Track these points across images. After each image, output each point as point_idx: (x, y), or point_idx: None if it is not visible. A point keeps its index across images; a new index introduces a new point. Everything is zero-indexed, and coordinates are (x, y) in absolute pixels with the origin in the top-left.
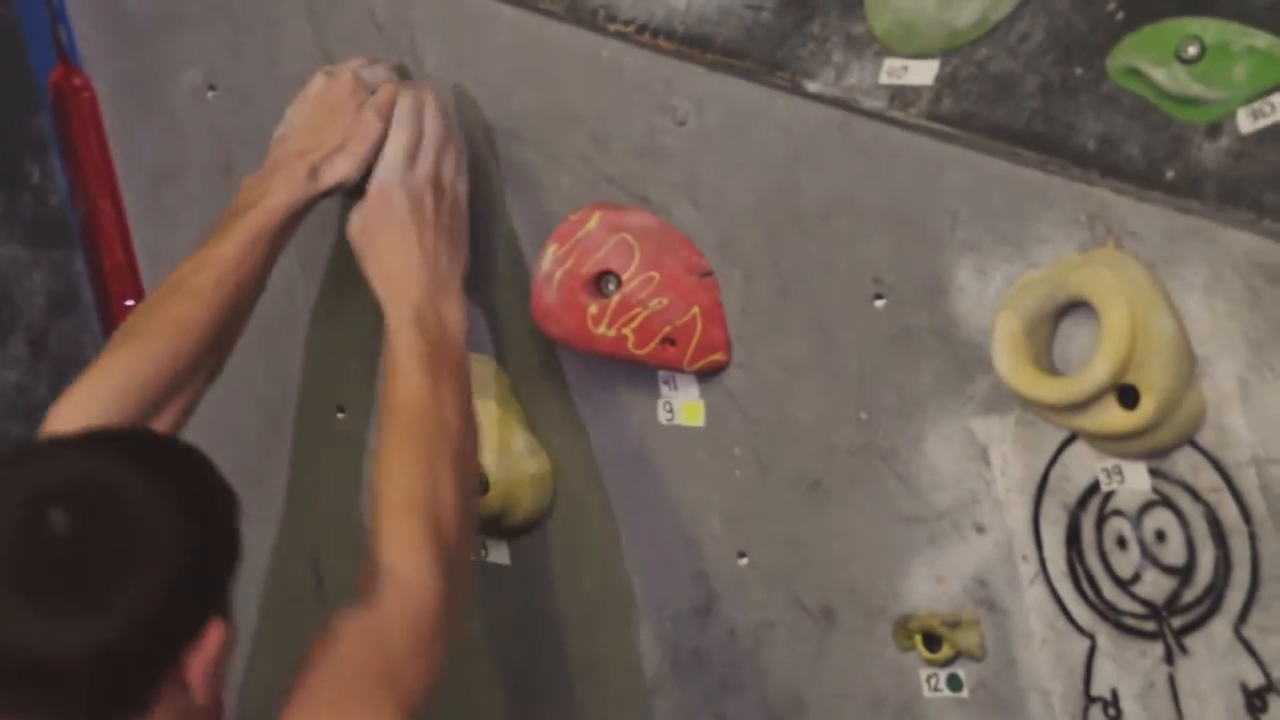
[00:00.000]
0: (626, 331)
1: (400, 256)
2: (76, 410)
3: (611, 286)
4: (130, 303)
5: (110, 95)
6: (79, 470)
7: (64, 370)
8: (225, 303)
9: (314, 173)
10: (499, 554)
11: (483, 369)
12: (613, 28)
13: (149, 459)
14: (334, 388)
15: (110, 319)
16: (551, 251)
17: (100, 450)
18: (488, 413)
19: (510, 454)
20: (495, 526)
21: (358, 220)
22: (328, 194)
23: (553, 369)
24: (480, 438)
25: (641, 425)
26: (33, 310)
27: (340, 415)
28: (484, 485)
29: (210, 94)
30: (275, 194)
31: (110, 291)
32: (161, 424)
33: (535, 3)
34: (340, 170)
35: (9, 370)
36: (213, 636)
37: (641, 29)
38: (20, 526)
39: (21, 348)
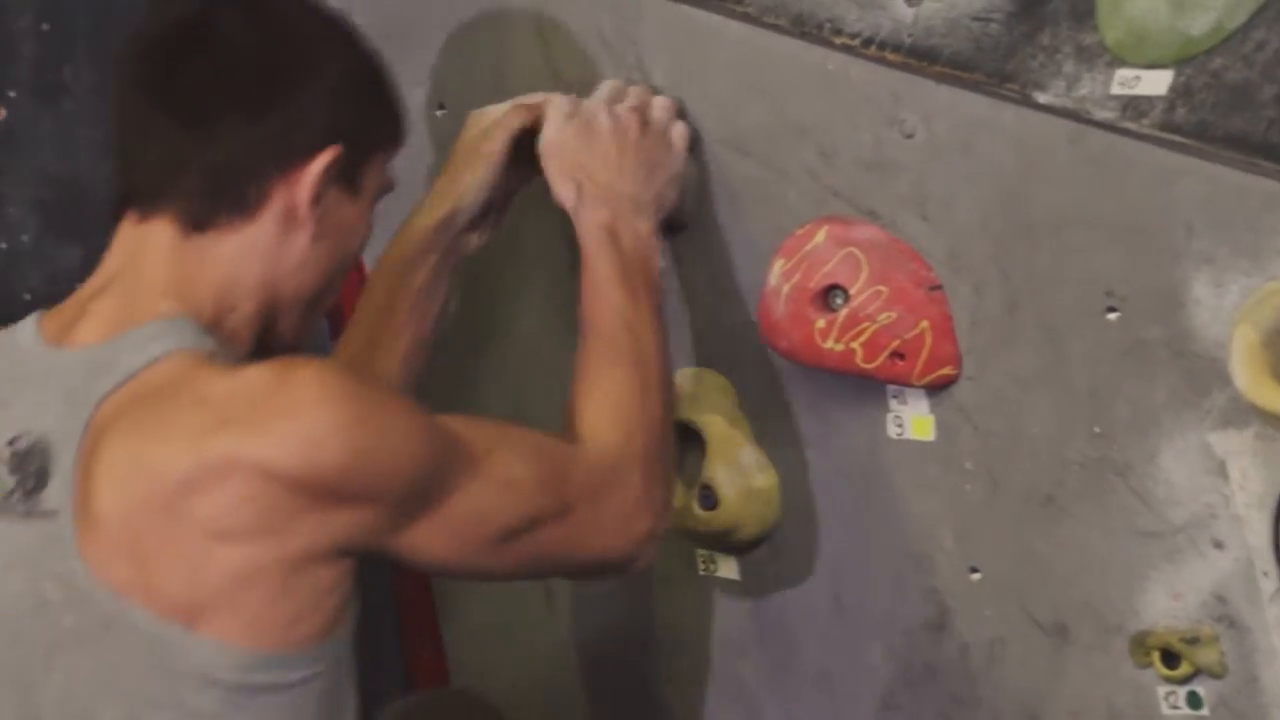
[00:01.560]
0: (854, 346)
1: (597, 171)
2: None
3: (839, 301)
4: None
5: None
6: None
7: None
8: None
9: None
10: (728, 569)
11: (711, 383)
12: (839, 41)
13: (315, 3)
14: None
15: (341, 329)
16: (778, 266)
17: None
18: (716, 427)
19: (738, 468)
20: (724, 541)
21: (553, 134)
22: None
23: (780, 384)
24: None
25: (870, 440)
26: None
27: None
28: (713, 500)
29: (439, 112)
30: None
31: (341, 304)
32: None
33: (761, 17)
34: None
35: None
36: (325, 156)
37: (868, 42)
38: (193, 22)
39: None
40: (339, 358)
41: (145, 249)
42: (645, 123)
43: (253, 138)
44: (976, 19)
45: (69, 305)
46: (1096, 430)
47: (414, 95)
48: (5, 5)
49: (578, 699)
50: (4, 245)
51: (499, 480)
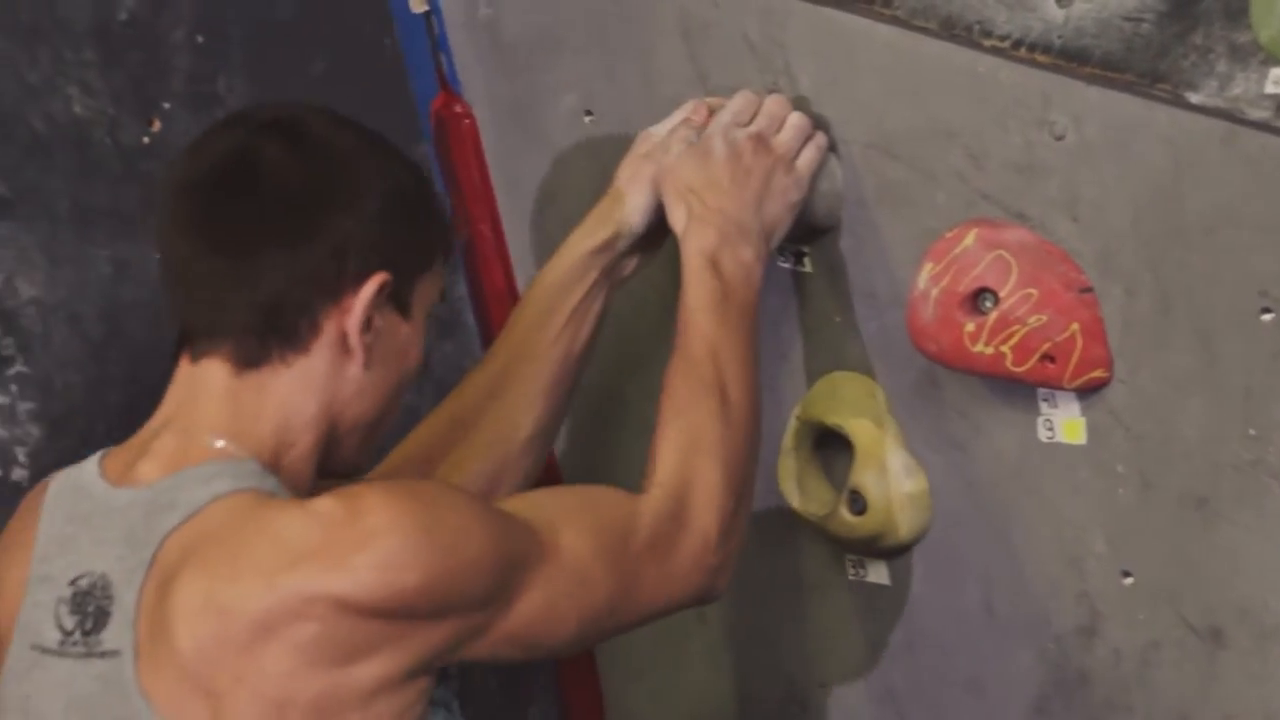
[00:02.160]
0: (1004, 349)
1: (707, 195)
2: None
3: (989, 304)
4: None
5: (490, 121)
6: (289, 114)
7: (447, 392)
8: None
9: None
10: (878, 574)
11: (860, 388)
12: (988, 43)
13: (354, 125)
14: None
15: (490, 342)
16: (927, 269)
17: (310, 109)
18: (864, 432)
19: (888, 473)
20: (873, 546)
21: (673, 159)
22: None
23: (930, 387)
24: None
25: (1020, 443)
26: None
27: None
28: (862, 505)
29: (587, 118)
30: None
31: (491, 315)
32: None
33: (909, 20)
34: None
35: None
36: (373, 283)
37: (1018, 44)
38: (235, 156)
39: None
40: (482, 374)
41: (201, 388)
42: (766, 148)
43: (297, 271)
44: (1128, 19)
45: (131, 444)
46: (1251, 432)
47: (563, 101)
48: (159, 18)
49: (729, 705)
50: (159, 255)
51: (570, 567)
